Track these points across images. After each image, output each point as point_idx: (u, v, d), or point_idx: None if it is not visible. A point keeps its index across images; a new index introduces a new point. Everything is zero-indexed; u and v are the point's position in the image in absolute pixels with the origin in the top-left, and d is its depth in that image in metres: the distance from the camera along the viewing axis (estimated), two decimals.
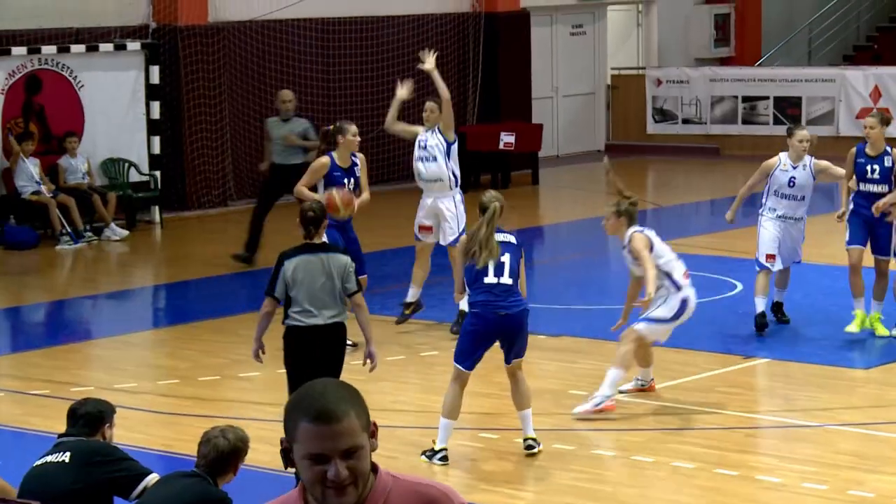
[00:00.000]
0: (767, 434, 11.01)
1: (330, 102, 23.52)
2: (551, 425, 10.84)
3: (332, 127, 13.42)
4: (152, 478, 7.34)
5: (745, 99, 27.91)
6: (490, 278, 10.00)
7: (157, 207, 21.07)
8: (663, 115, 28.44)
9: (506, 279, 9.98)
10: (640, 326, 11.14)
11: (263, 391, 11.94)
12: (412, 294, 14.01)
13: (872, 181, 13.26)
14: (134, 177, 21.00)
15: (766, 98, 27.59)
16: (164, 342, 14.43)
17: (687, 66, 28.92)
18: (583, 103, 28.74)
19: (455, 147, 13.81)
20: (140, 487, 7.32)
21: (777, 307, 13.85)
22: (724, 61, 29.69)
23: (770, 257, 13.46)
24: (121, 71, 20.90)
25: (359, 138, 13.25)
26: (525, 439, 10.21)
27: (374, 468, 3.90)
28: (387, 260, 17.42)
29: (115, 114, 20.87)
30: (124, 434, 9.38)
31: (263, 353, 9.80)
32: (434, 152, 13.74)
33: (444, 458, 10.07)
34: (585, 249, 18.79)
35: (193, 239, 20.24)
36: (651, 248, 11.03)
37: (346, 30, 23.85)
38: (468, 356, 10.08)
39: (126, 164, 21.01)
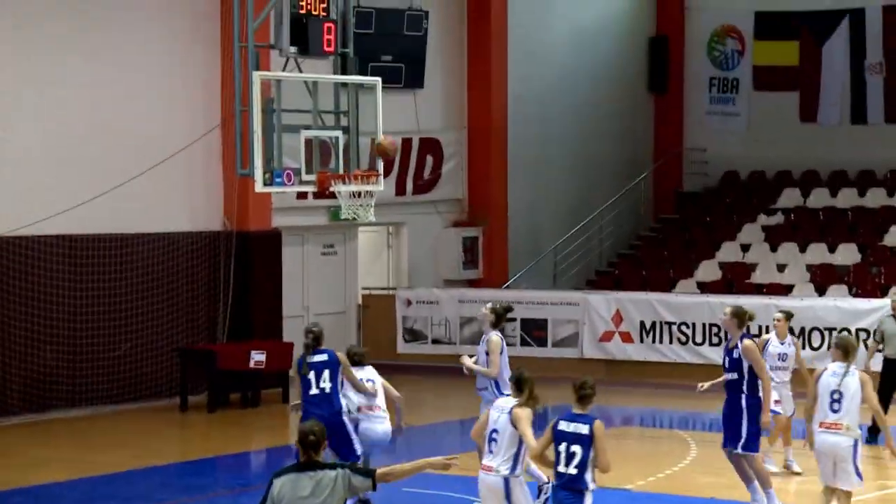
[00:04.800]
0: None
1: (77, 320, 23.05)
2: None
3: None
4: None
5: None
6: None
7: None
8: (413, 335, 28.68)
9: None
10: None
11: None
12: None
13: None
14: None
15: (514, 320, 28.08)
16: None
17: (436, 287, 29.33)
18: (334, 322, 28.77)
19: None
20: None
21: None
22: (472, 283, 30.21)
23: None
24: None
25: None
26: None
27: None
28: None
29: None
30: None
31: None
32: None
33: None
34: None
35: None
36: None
37: (94, 247, 23.51)
38: None
39: None
